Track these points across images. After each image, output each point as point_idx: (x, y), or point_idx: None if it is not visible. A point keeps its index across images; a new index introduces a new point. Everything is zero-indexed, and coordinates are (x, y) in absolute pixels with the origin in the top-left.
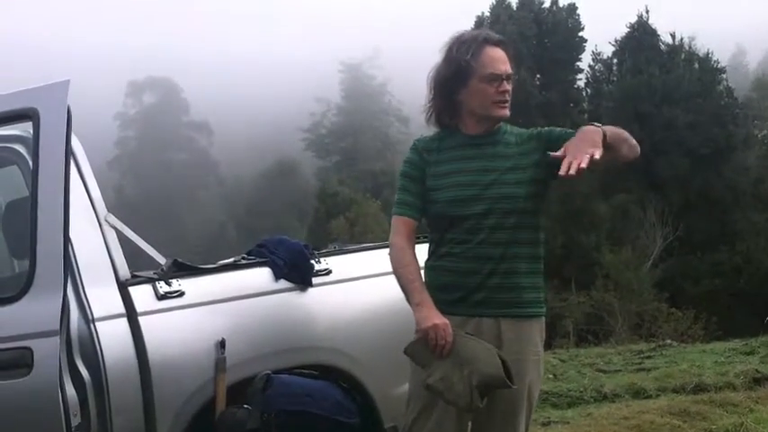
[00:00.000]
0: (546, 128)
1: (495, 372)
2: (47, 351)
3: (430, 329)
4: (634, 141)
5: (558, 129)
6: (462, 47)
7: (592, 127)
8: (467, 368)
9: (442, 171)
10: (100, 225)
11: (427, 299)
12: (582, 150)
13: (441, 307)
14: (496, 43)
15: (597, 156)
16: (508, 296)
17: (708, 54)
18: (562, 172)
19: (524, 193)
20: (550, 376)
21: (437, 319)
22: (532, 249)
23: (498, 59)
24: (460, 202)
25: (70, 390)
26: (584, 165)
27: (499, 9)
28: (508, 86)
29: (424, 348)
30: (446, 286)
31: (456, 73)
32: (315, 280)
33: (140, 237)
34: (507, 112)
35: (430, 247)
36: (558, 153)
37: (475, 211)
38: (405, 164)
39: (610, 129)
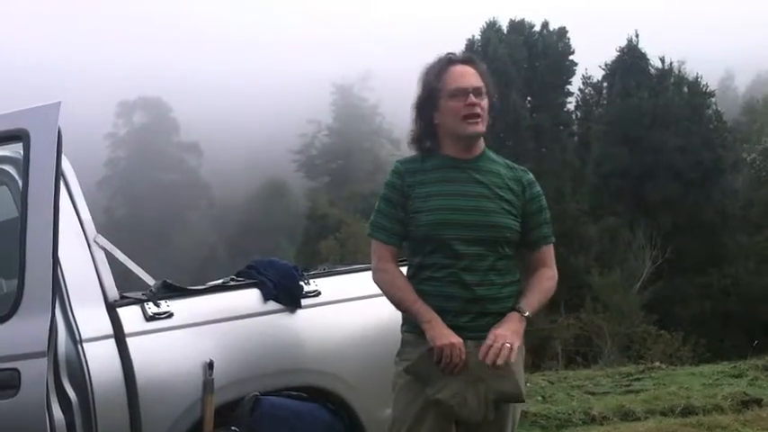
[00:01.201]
0: (537, 190)
1: (512, 389)
2: (34, 372)
3: (446, 347)
4: (550, 291)
5: (539, 203)
6: (430, 70)
7: (517, 316)
8: (482, 385)
9: (424, 193)
10: (89, 246)
11: (437, 316)
12: (505, 339)
13: (419, 330)
14: (464, 61)
15: (514, 349)
16: (490, 321)
17: (697, 78)
18: (480, 357)
19: (506, 224)
20: (539, 398)
21: (453, 338)
22: (511, 277)
23: (463, 74)
24: (443, 226)
25: (57, 411)
26: (500, 361)
27: (490, 32)
28: (476, 100)
29: (430, 364)
30: None
31: (427, 97)
32: (304, 301)
33: (130, 258)
34: (480, 128)
35: (409, 271)
36: (488, 341)
37: (459, 236)
38: (386, 186)
39: (533, 306)
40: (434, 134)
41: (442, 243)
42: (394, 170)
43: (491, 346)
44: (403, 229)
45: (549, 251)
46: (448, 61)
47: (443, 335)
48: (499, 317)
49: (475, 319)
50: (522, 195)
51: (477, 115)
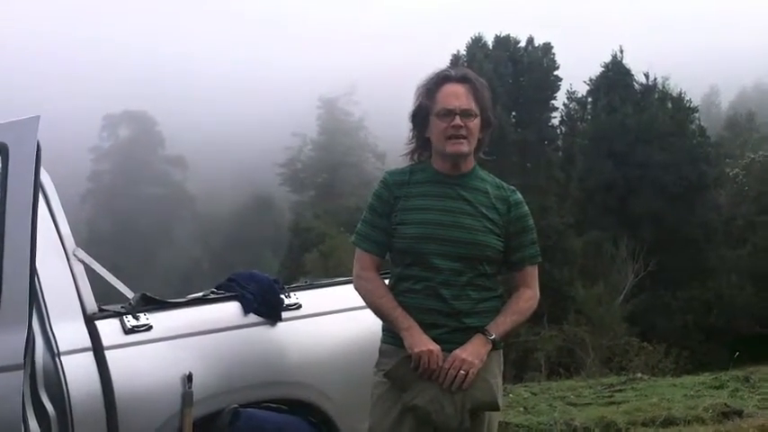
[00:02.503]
0: (523, 210)
1: (489, 398)
2: (10, 385)
3: (424, 354)
4: (528, 312)
5: (524, 223)
6: (424, 86)
7: (482, 339)
8: (459, 392)
9: (410, 206)
10: (68, 259)
11: (415, 324)
12: (462, 364)
13: (399, 342)
14: (459, 80)
15: (470, 375)
16: (466, 335)
17: (681, 94)
18: (440, 380)
19: (488, 242)
20: (521, 409)
21: (431, 345)
22: (490, 292)
23: (452, 95)
24: (424, 240)
25: (33, 424)
26: (454, 388)
27: (475, 48)
28: (461, 122)
29: (408, 371)
30: None
31: (419, 113)
32: (284, 314)
33: (113, 271)
34: (463, 148)
35: (390, 281)
36: (446, 363)
37: (439, 251)
38: (374, 197)
39: (502, 328)
40: (426, 148)
41: (422, 256)
42: (382, 181)
43: (447, 369)
44: (387, 239)
45: (531, 272)
46: (442, 79)
47: (421, 341)
48: (475, 331)
49: (452, 332)
50: (506, 215)
51: (462, 136)
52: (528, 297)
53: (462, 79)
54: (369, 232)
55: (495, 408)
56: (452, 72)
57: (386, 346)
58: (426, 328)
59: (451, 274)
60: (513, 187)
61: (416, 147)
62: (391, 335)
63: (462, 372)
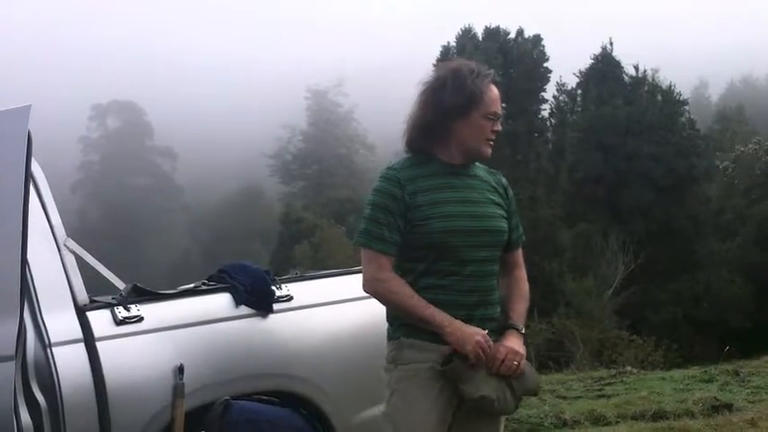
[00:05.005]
0: (512, 192)
1: (534, 385)
2: (2, 376)
3: (479, 344)
4: (528, 294)
5: (515, 204)
6: (476, 79)
7: (517, 333)
8: (513, 380)
9: (429, 200)
10: (59, 250)
11: (454, 319)
12: (518, 353)
13: (423, 336)
14: (496, 83)
15: (523, 364)
16: (490, 325)
17: (671, 86)
18: (493, 371)
19: (503, 227)
20: None
21: (478, 334)
22: (496, 281)
23: (498, 99)
24: (453, 233)
25: (25, 415)
26: (510, 375)
27: (465, 39)
28: (499, 127)
29: (466, 365)
30: None
31: (463, 102)
32: (276, 306)
33: (103, 262)
34: (490, 152)
35: (407, 279)
36: (499, 355)
37: (467, 242)
38: (381, 195)
39: (523, 318)
40: (440, 136)
41: (450, 250)
42: (389, 178)
43: (502, 360)
44: (400, 238)
45: (520, 251)
46: (491, 78)
47: (470, 334)
48: (492, 321)
49: (479, 324)
50: (505, 197)
51: (494, 140)
52: (525, 278)
53: (498, 84)
54: (381, 232)
55: (537, 393)
56: (494, 74)
57: (411, 340)
58: None
59: (479, 265)
60: (497, 171)
61: (428, 131)
62: (416, 330)
63: (515, 362)
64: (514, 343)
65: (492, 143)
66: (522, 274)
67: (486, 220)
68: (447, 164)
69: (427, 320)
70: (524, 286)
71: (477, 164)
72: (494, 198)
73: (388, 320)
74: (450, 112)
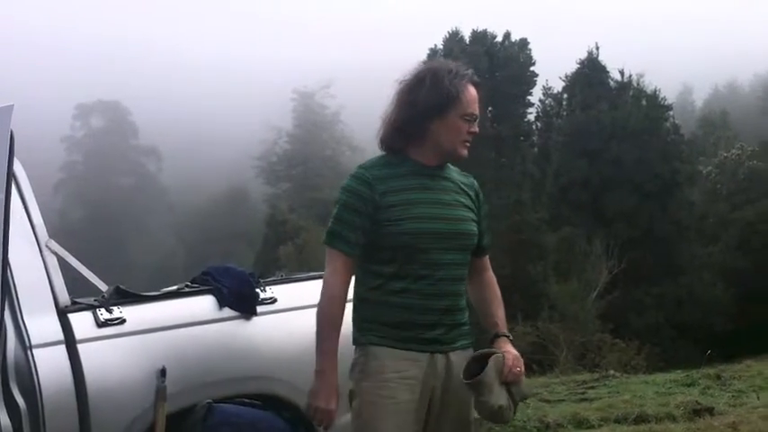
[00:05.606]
0: (483, 195)
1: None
2: None
3: (320, 411)
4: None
5: (485, 208)
6: (454, 79)
7: (506, 339)
8: (512, 387)
9: (401, 200)
10: (40, 250)
11: (334, 368)
12: (519, 363)
13: (392, 343)
14: (476, 84)
15: (522, 371)
16: (458, 331)
17: (655, 91)
18: (505, 378)
19: (473, 231)
20: None
21: (333, 405)
22: (464, 286)
23: (476, 100)
24: (423, 235)
25: (4, 418)
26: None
27: (452, 42)
28: (476, 128)
29: (494, 375)
30: (401, 323)
31: (440, 102)
32: (260, 308)
33: (85, 263)
34: (467, 153)
35: (374, 281)
36: (508, 361)
37: (438, 245)
38: (349, 194)
39: (505, 324)
40: (416, 136)
41: (421, 252)
42: (359, 177)
43: (510, 366)
44: (365, 239)
45: (487, 256)
46: (469, 78)
47: (326, 397)
48: (461, 327)
49: (448, 330)
50: (476, 201)
51: (470, 141)
52: (495, 282)
53: (478, 85)
54: (346, 233)
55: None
56: (474, 74)
57: (382, 349)
58: (427, 328)
59: (450, 268)
60: (468, 174)
61: (404, 131)
62: (391, 335)
63: (519, 368)
64: (513, 349)
65: (468, 144)
66: (492, 276)
67: (458, 223)
68: (421, 164)
69: (321, 352)
70: (497, 289)
71: (450, 165)
72: (464, 201)
73: (353, 322)
74: (427, 112)
